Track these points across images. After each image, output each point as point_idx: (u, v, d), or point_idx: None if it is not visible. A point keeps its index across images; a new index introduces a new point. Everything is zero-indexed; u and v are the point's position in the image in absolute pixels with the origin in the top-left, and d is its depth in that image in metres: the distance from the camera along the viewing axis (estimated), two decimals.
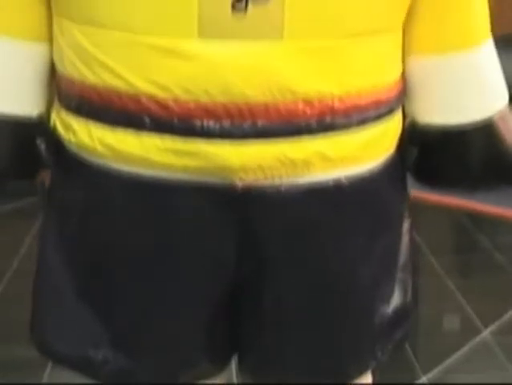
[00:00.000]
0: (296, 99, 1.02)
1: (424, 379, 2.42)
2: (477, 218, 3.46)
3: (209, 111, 1.01)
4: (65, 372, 1.25)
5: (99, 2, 1.02)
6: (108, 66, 1.03)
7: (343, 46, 1.04)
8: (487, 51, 1.20)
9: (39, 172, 1.20)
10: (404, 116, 1.20)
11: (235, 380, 1.92)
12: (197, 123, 1.02)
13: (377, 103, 1.10)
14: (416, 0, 1.11)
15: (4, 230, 3.37)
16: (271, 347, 1.18)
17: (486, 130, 1.20)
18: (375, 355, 1.22)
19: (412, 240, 1.25)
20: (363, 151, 1.10)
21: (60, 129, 1.13)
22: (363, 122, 1.08)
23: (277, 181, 1.06)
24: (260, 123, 1.02)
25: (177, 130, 1.03)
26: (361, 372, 1.26)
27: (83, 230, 1.14)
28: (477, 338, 2.63)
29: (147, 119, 1.03)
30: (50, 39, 1.13)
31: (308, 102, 1.03)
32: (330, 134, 1.06)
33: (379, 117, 1.11)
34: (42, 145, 1.16)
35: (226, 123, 1.02)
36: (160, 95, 1.02)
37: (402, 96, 1.17)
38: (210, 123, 1.02)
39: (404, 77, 1.17)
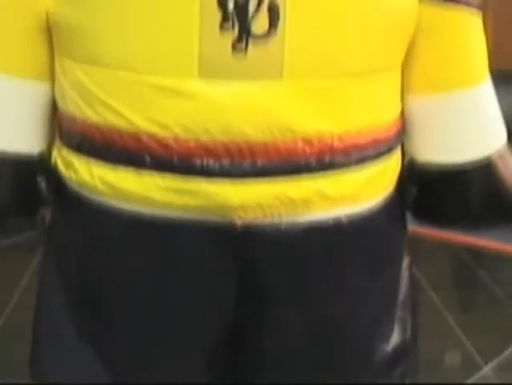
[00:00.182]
0: (296, 138, 1.03)
1: None
2: (477, 253, 3.46)
3: (209, 150, 1.02)
4: None
5: (102, 41, 1.03)
6: (110, 105, 1.04)
7: (342, 86, 1.05)
8: (486, 90, 1.21)
9: (40, 209, 1.20)
10: (403, 154, 1.21)
11: None
12: (197, 161, 1.03)
13: (376, 142, 1.11)
14: (414, 40, 1.12)
15: (4, 264, 3.36)
16: None
17: (485, 169, 1.20)
18: None
19: (411, 277, 1.25)
20: (363, 190, 1.11)
21: (61, 167, 1.14)
22: (362, 160, 1.09)
23: (276, 220, 1.06)
24: (260, 162, 1.03)
25: (177, 168, 1.03)
26: None
27: (83, 268, 1.14)
28: (478, 375, 2.62)
29: (147, 158, 1.04)
30: (52, 77, 1.14)
31: (307, 141, 1.04)
32: (329, 173, 1.06)
33: (378, 156, 1.11)
34: (42, 183, 1.17)
35: (226, 162, 1.02)
36: (161, 133, 1.02)
37: (401, 135, 1.18)
38: (210, 162, 1.02)
39: (402, 115, 1.18)
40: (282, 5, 0.99)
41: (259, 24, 0.99)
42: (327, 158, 1.05)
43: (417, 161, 1.20)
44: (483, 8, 1.17)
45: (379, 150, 1.11)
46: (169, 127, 1.02)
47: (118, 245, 1.10)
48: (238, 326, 1.14)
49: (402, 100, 1.17)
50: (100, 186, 1.08)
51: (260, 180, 1.04)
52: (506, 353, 2.73)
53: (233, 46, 1.00)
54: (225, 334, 1.15)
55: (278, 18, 0.99)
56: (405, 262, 1.23)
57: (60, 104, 1.13)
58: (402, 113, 1.17)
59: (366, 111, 1.09)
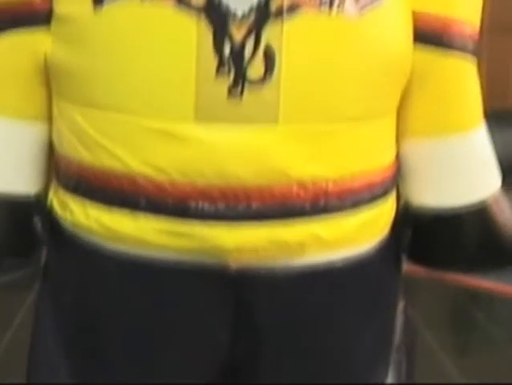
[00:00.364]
0: (290, 182, 1.03)
1: None
2: (474, 293, 3.45)
3: (204, 194, 1.02)
4: None
5: (99, 84, 1.04)
6: (106, 148, 1.05)
7: (337, 131, 1.06)
8: (481, 135, 1.21)
9: (35, 250, 1.20)
10: (398, 197, 1.21)
11: None
12: (192, 204, 1.03)
13: (371, 186, 1.11)
14: (409, 84, 1.13)
15: None
16: None
17: (480, 213, 1.20)
18: None
19: (407, 320, 1.24)
20: (358, 234, 1.11)
21: (57, 208, 1.14)
22: (357, 204, 1.09)
23: (271, 263, 1.07)
24: (254, 205, 1.03)
25: (172, 211, 1.03)
26: None
27: (78, 308, 1.14)
28: None
29: (142, 200, 1.04)
30: (50, 119, 1.14)
31: (302, 185, 1.04)
32: (324, 216, 1.06)
33: (373, 199, 1.12)
34: (39, 224, 1.17)
35: (221, 206, 1.03)
36: (156, 176, 1.03)
37: (396, 178, 1.18)
38: (205, 205, 1.03)
39: (398, 158, 1.18)
40: (278, 50, 1.00)
41: (255, 69, 1.00)
42: (322, 202, 1.06)
43: (412, 205, 1.21)
44: (477, 52, 1.18)
45: (374, 194, 1.12)
46: (165, 170, 1.02)
47: (112, 286, 1.10)
48: (234, 366, 1.14)
49: (397, 144, 1.17)
50: (95, 227, 1.08)
51: (255, 223, 1.04)
52: None
53: (229, 91, 1.00)
54: (219, 375, 1.14)
55: (273, 63, 1.00)
56: (400, 306, 1.22)
57: (57, 145, 1.14)
58: (397, 156, 1.18)
59: (361, 156, 1.09)
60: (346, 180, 1.07)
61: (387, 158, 1.15)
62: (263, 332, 1.11)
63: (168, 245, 1.05)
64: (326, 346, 1.12)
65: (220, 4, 1.00)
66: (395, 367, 1.21)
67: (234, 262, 1.05)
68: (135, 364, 1.12)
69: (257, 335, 1.11)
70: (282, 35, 1.00)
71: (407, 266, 1.25)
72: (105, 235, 1.08)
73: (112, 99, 1.04)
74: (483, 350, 3.10)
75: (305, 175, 1.04)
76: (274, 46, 1.00)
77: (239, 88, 1.00)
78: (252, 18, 1.00)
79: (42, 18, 1.08)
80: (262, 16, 1.00)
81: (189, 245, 1.04)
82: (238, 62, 1.00)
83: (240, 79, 1.00)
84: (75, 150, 1.09)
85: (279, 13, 1.00)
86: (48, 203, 1.17)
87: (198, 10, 1.00)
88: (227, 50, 1.00)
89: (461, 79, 1.16)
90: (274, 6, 1.00)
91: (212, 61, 1.00)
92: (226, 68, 1.00)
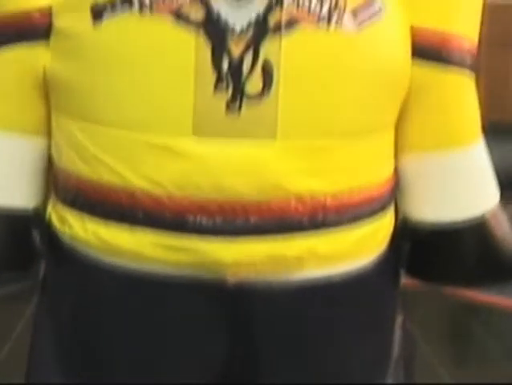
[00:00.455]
0: (288, 196, 1.03)
1: None
2: (472, 307, 3.44)
3: (202, 208, 1.02)
4: None
5: (97, 99, 1.05)
6: (104, 162, 1.05)
7: (335, 146, 1.06)
8: (479, 150, 1.21)
9: (34, 263, 1.20)
10: (397, 211, 1.21)
11: None
12: (190, 218, 1.03)
13: (369, 200, 1.11)
14: (407, 100, 1.13)
15: None
16: None
17: (479, 228, 1.20)
18: None
19: (405, 334, 1.24)
20: (356, 248, 1.11)
21: (55, 221, 1.14)
22: (355, 219, 1.09)
23: (269, 277, 1.06)
24: (252, 219, 1.03)
25: (170, 225, 1.04)
26: None
27: (76, 323, 1.14)
28: None
29: (140, 214, 1.04)
30: (48, 133, 1.14)
31: (300, 199, 1.04)
32: (322, 231, 1.07)
33: (371, 214, 1.12)
34: (37, 237, 1.17)
35: (219, 220, 1.03)
36: (154, 191, 1.03)
37: (394, 193, 1.18)
38: (203, 220, 1.03)
39: (396, 173, 1.18)
40: (276, 65, 1.00)
41: (253, 84, 1.01)
42: (320, 216, 1.06)
43: (410, 219, 1.21)
44: (476, 66, 1.18)
45: (372, 208, 1.12)
46: (163, 184, 1.02)
47: (110, 300, 1.10)
48: (230, 379, 1.13)
49: (395, 158, 1.17)
50: (94, 241, 1.08)
51: (253, 237, 1.04)
52: None
53: (227, 106, 1.01)
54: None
55: (271, 78, 1.01)
56: (399, 319, 1.22)
57: (56, 159, 1.14)
58: (395, 170, 1.18)
59: (359, 171, 1.09)
60: (344, 194, 1.07)
61: (385, 172, 1.15)
62: (261, 346, 1.11)
63: (166, 259, 1.05)
64: (324, 359, 1.12)
65: (218, 19, 1.00)
66: (393, 381, 1.21)
67: (232, 277, 1.05)
68: (132, 377, 1.11)
69: (254, 349, 1.11)
70: (281, 50, 1.01)
71: (405, 280, 1.25)
72: (103, 249, 1.08)
73: (111, 114, 1.04)
74: (481, 364, 3.09)
75: (303, 189, 1.04)
76: (273, 61, 1.01)
77: (237, 103, 1.01)
78: (250, 33, 1.01)
79: (41, 32, 1.08)
80: (261, 31, 1.01)
81: (187, 260, 1.04)
82: (236, 77, 1.00)
83: (238, 94, 1.00)
84: (73, 164, 1.09)
85: (277, 28, 1.01)
86: (47, 216, 1.17)
87: (197, 25, 1.00)
88: (225, 66, 1.00)
89: (460, 94, 1.17)
90: (272, 22, 1.01)
91: (210, 76, 1.00)
92: (224, 83, 1.00)
